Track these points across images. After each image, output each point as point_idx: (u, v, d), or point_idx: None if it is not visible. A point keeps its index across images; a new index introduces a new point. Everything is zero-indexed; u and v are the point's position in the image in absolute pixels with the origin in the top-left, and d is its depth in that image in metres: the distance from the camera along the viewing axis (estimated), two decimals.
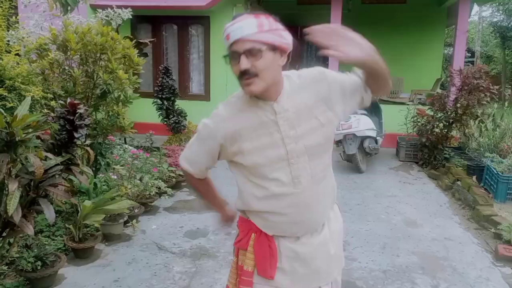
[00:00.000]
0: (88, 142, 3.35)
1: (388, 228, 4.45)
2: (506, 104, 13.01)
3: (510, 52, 17.14)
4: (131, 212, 4.30)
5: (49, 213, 2.49)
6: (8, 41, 4.06)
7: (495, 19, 18.21)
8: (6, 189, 2.38)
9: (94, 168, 4.25)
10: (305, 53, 11.57)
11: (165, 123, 7.16)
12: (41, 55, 4.17)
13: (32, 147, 2.62)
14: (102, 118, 4.47)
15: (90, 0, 3.42)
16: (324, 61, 10.79)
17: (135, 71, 4.49)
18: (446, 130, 6.71)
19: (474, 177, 5.57)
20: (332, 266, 1.75)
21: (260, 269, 1.66)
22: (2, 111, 2.45)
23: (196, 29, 8.88)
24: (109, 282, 3.28)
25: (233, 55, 1.48)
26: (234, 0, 8.14)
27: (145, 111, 7.63)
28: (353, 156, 6.33)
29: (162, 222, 4.51)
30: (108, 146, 4.59)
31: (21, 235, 2.96)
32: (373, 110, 7.16)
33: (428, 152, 6.78)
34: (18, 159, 2.50)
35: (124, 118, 4.48)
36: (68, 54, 4.14)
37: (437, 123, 6.71)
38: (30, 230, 2.47)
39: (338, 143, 6.52)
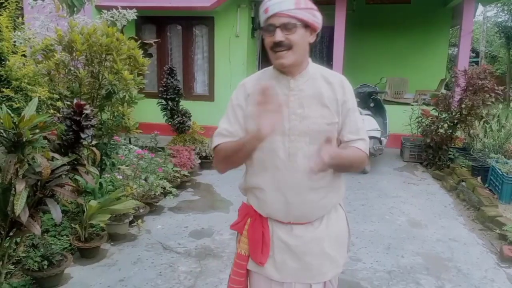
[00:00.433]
0: (93, 142, 3.38)
1: (392, 229, 4.45)
2: (511, 104, 12.96)
3: None
4: (136, 212, 4.32)
5: (56, 213, 2.51)
6: (15, 42, 4.09)
7: (499, 19, 18.13)
8: (14, 189, 2.41)
9: (99, 168, 4.27)
10: (309, 53, 11.57)
11: (170, 123, 7.18)
12: (47, 56, 4.20)
13: (39, 148, 2.65)
14: (108, 119, 4.49)
15: (95, 1, 3.44)
16: (328, 62, 10.80)
17: (140, 72, 4.51)
18: (450, 131, 6.70)
19: (479, 178, 5.56)
20: (325, 265, 1.74)
21: (252, 253, 1.73)
22: (10, 112, 2.47)
23: (200, 30, 8.90)
24: (115, 282, 3.30)
25: (268, 28, 1.60)
26: (238, 1, 8.15)
27: (150, 111, 7.65)
28: None
29: (167, 222, 4.53)
30: (113, 146, 4.61)
31: (27, 234, 2.98)
32: (377, 111, 7.16)
33: (432, 152, 6.76)
34: (25, 160, 2.53)
35: (129, 119, 4.50)
36: (74, 55, 4.16)
37: (442, 123, 6.70)
38: (37, 229, 2.49)
39: None
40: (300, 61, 1.65)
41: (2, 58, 3.88)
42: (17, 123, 2.42)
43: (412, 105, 7.99)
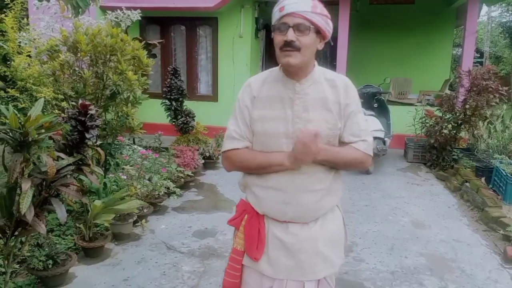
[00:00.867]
0: (98, 142, 3.39)
1: (396, 229, 4.45)
2: None
3: None
4: (140, 212, 4.34)
5: (61, 212, 2.53)
6: (20, 42, 4.12)
7: (504, 20, 18.08)
8: (19, 188, 2.42)
9: (103, 168, 4.29)
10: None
11: (174, 123, 7.20)
12: (52, 57, 4.22)
13: (44, 147, 2.67)
14: (112, 119, 4.51)
15: (100, 2, 3.45)
16: (332, 62, 10.80)
17: (144, 72, 4.52)
18: (454, 131, 6.69)
19: (482, 179, 5.55)
20: (319, 264, 1.76)
21: (248, 249, 1.76)
22: (16, 112, 2.49)
23: (204, 30, 8.92)
24: (119, 281, 3.32)
25: (280, 26, 1.61)
26: (242, 1, 8.17)
27: (154, 111, 7.68)
28: None
29: (170, 222, 4.54)
30: (117, 146, 4.63)
31: (32, 234, 3.00)
32: (381, 111, 7.16)
33: (436, 153, 6.75)
34: (31, 159, 2.55)
35: (133, 119, 4.52)
36: (79, 55, 4.19)
37: (446, 124, 6.69)
38: (42, 229, 2.51)
39: None
40: (306, 64, 1.67)
41: (8, 58, 3.92)
42: (23, 123, 2.44)
43: (416, 105, 7.97)
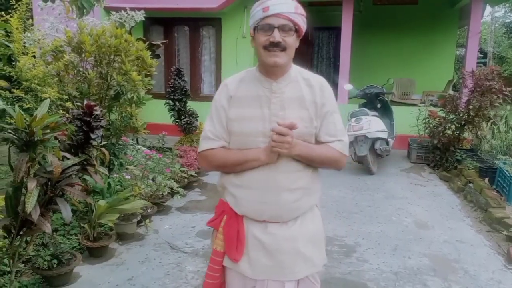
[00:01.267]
0: (102, 143, 3.41)
1: (399, 230, 4.45)
2: None
3: None
4: (144, 212, 4.35)
5: (66, 212, 2.55)
6: (25, 43, 4.14)
7: (508, 20, 18.03)
8: (25, 188, 2.44)
9: (107, 168, 4.31)
10: (316, 54, 11.58)
11: (177, 124, 7.21)
12: (56, 57, 4.25)
13: (50, 147, 2.68)
14: (116, 119, 4.53)
15: (104, 3, 3.47)
16: (335, 62, 10.80)
17: (148, 73, 4.55)
18: (458, 132, 6.68)
19: (486, 180, 5.54)
20: (298, 264, 1.76)
21: (227, 250, 1.77)
22: (21, 112, 2.51)
23: (207, 31, 8.94)
24: (123, 281, 3.33)
25: (264, 27, 1.64)
26: (245, 2, 8.18)
27: (157, 112, 7.70)
28: (364, 157, 6.32)
29: (174, 222, 4.56)
30: (121, 146, 4.65)
31: (37, 233, 3.02)
32: (384, 112, 7.15)
33: (439, 154, 6.74)
34: (37, 159, 2.56)
35: (137, 119, 4.54)
36: (83, 56, 4.21)
37: (449, 124, 6.68)
38: (48, 228, 2.52)
39: (349, 144, 6.50)
40: (288, 63, 1.71)
41: (13, 59, 3.94)
42: (29, 123, 2.45)
43: (419, 106, 7.97)
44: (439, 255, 3.90)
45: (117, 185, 4.40)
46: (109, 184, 4.17)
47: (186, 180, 5.59)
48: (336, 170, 1.86)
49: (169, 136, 6.19)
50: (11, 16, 3.99)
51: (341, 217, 4.78)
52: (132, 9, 5.32)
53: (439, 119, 6.81)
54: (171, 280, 3.36)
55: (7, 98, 3.61)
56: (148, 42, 4.82)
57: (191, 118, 7.15)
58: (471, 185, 5.52)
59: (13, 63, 3.92)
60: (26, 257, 3.08)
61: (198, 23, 8.84)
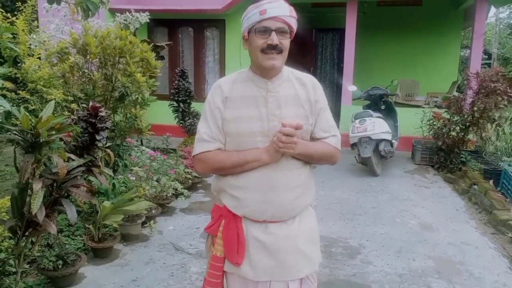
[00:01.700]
0: (107, 144, 3.43)
1: (403, 232, 4.43)
2: None
3: None
4: (148, 213, 4.36)
5: (71, 213, 2.56)
6: (30, 45, 4.17)
7: None
8: (30, 189, 2.46)
9: (112, 169, 4.33)
10: (319, 55, 11.58)
11: (181, 125, 7.24)
12: (61, 59, 4.27)
13: (55, 149, 2.70)
14: (120, 120, 4.55)
15: (109, 5, 3.49)
16: (339, 64, 10.79)
17: (152, 74, 4.57)
18: (462, 134, 6.66)
19: (491, 181, 5.52)
20: (300, 262, 1.77)
21: (228, 255, 1.76)
22: (27, 114, 2.52)
23: (211, 32, 8.96)
24: (128, 282, 3.34)
25: (262, 29, 1.66)
26: (249, 4, 8.17)
27: (162, 113, 7.72)
28: (368, 159, 6.31)
29: (178, 223, 4.57)
30: (126, 148, 4.67)
31: (43, 234, 3.04)
32: (388, 113, 7.14)
33: (444, 155, 6.73)
34: (42, 160, 2.58)
35: (141, 120, 4.56)
36: (88, 57, 4.24)
37: (454, 126, 6.66)
38: (53, 229, 2.54)
39: (353, 146, 6.52)
40: (282, 65, 1.75)
41: (19, 61, 3.96)
42: (34, 124, 2.47)
43: (424, 107, 7.95)
44: (443, 257, 3.89)
45: (121, 186, 4.42)
46: (114, 185, 4.19)
47: (190, 181, 5.60)
48: (330, 164, 1.89)
49: (173, 137, 6.20)
50: (17, 18, 4.02)
51: (345, 218, 4.78)
52: (137, 10, 5.34)
53: (443, 121, 6.79)
54: (175, 281, 3.37)
55: (13, 99, 3.63)
56: (152, 44, 4.84)
57: (195, 119, 7.17)
58: (475, 187, 5.50)
59: (19, 64, 3.95)
60: (32, 257, 3.10)
61: (202, 24, 8.87)
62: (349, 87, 7.70)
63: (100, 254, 3.68)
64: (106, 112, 2.92)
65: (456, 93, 8.42)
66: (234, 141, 1.72)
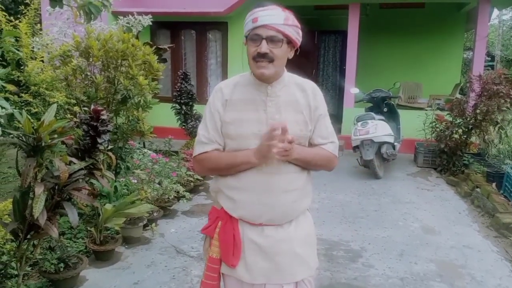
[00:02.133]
0: (109, 147, 3.43)
1: (405, 235, 4.42)
2: None
3: None
4: (150, 216, 4.36)
5: (73, 216, 2.57)
6: (33, 48, 4.18)
7: None
8: (32, 192, 2.46)
9: (114, 172, 4.33)
10: (322, 58, 11.58)
11: (183, 127, 7.24)
12: (64, 62, 4.28)
13: (57, 152, 2.70)
14: (123, 123, 4.56)
15: (111, 8, 3.50)
16: (341, 66, 10.78)
17: (155, 77, 4.57)
18: (465, 136, 6.64)
19: (493, 184, 5.50)
20: (296, 266, 1.78)
21: (223, 256, 1.77)
22: (29, 117, 2.53)
23: (214, 35, 8.97)
24: (129, 285, 3.34)
25: (253, 37, 1.66)
26: (251, 6, 8.18)
27: (164, 115, 7.73)
28: (371, 161, 6.30)
29: (180, 225, 4.57)
30: (128, 150, 4.67)
31: (45, 237, 3.04)
32: (391, 116, 7.13)
33: (446, 158, 6.71)
34: (44, 164, 2.59)
35: (143, 123, 4.56)
36: (91, 60, 4.25)
37: (456, 129, 6.64)
38: (54, 232, 2.54)
39: (355, 148, 6.51)
40: (278, 73, 1.73)
41: (21, 63, 3.98)
42: (36, 128, 2.48)
43: (426, 110, 7.94)
44: (445, 261, 3.88)
45: (123, 189, 4.43)
46: (115, 188, 4.20)
47: (192, 183, 5.60)
48: (327, 170, 1.89)
49: (175, 139, 6.21)
50: (20, 21, 4.04)
51: (347, 221, 4.77)
52: (139, 13, 5.34)
53: (446, 123, 6.78)
54: (176, 285, 3.37)
55: (15, 102, 3.65)
56: (155, 46, 4.84)
57: (197, 121, 7.17)
58: (478, 190, 5.49)
59: (22, 67, 3.96)
60: (33, 260, 3.11)
61: (205, 27, 8.88)
62: (351, 90, 7.70)
63: (101, 257, 3.69)
64: (108, 115, 2.92)
65: (458, 96, 8.40)
66: (234, 143, 1.74)
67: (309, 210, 1.92)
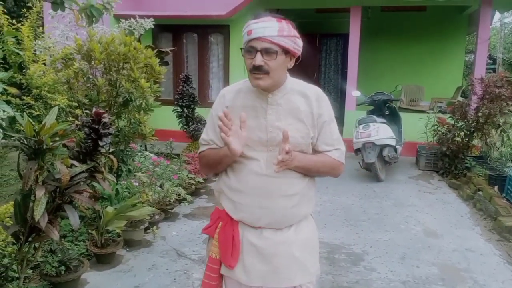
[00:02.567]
0: (111, 149, 3.43)
1: (407, 238, 4.41)
2: None
3: None
4: (151, 219, 4.36)
5: (74, 219, 2.57)
6: (35, 51, 4.19)
7: None
8: (33, 195, 2.47)
9: (115, 175, 4.33)
10: (323, 61, 11.58)
11: (185, 130, 7.25)
12: (66, 65, 4.29)
13: (58, 155, 2.71)
14: (124, 126, 4.56)
15: (113, 11, 3.51)
16: (343, 69, 10.79)
17: (157, 80, 4.57)
18: (467, 139, 6.63)
19: (496, 187, 5.48)
20: (294, 270, 1.77)
21: (222, 257, 1.78)
22: (30, 120, 2.53)
23: (215, 38, 8.99)
24: None
25: (249, 50, 1.66)
26: (253, 9, 8.21)
27: (165, 118, 7.73)
28: (372, 164, 6.29)
29: (181, 228, 4.56)
30: (129, 153, 4.67)
31: (46, 240, 3.04)
32: (393, 119, 7.12)
33: (448, 161, 6.70)
34: (45, 166, 2.59)
35: (145, 126, 4.56)
36: (92, 63, 4.25)
37: (458, 132, 6.63)
38: (55, 235, 2.54)
39: (357, 151, 6.50)
40: (277, 83, 1.72)
41: (23, 66, 3.98)
42: (37, 130, 2.48)
43: (428, 113, 7.91)
44: (448, 264, 3.86)
45: (125, 191, 4.43)
46: (117, 190, 4.20)
47: (193, 186, 5.60)
48: (333, 177, 1.89)
49: (177, 142, 6.21)
50: (22, 24, 4.04)
51: (348, 224, 4.76)
52: (141, 16, 5.36)
53: (448, 126, 6.77)
54: (178, 287, 3.36)
55: (17, 105, 3.65)
56: (156, 50, 4.85)
57: (199, 124, 7.19)
58: (480, 193, 5.47)
59: (24, 70, 3.97)
60: (34, 263, 3.10)
61: (207, 30, 8.89)
62: (353, 92, 7.70)
63: (102, 259, 3.68)
64: (109, 118, 2.92)
65: (460, 99, 8.39)
66: None
67: (312, 215, 1.92)
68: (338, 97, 10.97)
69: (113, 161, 3.10)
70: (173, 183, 5.03)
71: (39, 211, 2.39)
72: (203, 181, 5.85)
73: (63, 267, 3.17)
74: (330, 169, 1.81)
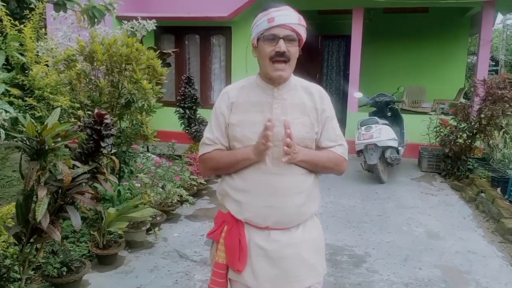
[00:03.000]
0: (113, 151, 3.43)
1: (410, 240, 4.40)
2: None
3: None
4: (153, 220, 4.36)
5: (76, 220, 2.57)
6: (38, 52, 4.20)
7: None
8: (35, 196, 2.47)
9: (117, 176, 4.33)
10: (325, 62, 11.58)
11: (187, 131, 7.25)
12: (68, 66, 4.30)
13: (60, 156, 2.71)
14: (126, 127, 4.56)
15: (115, 12, 3.52)
16: (345, 71, 10.78)
17: (159, 81, 4.58)
18: (469, 141, 6.61)
19: (498, 189, 5.46)
20: (303, 272, 1.76)
21: (229, 261, 1.75)
22: (33, 121, 2.54)
23: (218, 39, 9.00)
24: None
25: (270, 37, 1.67)
26: (255, 11, 8.20)
27: (168, 119, 7.75)
28: (374, 166, 6.28)
29: (183, 230, 4.56)
30: (131, 154, 4.68)
31: (47, 241, 3.04)
32: (395, 120, 7.11)
33: (451, 162, 6.68)
34: (47, 167, 2.59)
35: (147, 127, 4.56)
36: (95, 64, 4.26)
37: (461, 133, 6.62)
38: (57, 236, 2.54)
39: (359, 152, 6.49)
40: (290, 74, 1.76)
41: (26, 68, 3.99)
42: (40, 131, 2.48)
43: (430, 114, 7.91)
44: (450, 266, 3.85)
45: (126, 192, 4.43)
46: (119, 191, 4.20)
47: (195, 188, 5.60)
48: (337, 174, 1.88)
49: (179, 143, 6.21)
50: (25, 26, 4.05)
51: (351, 226, 4.75)
52: (143, 18, 5.36)
53: (450, 128, 6.76)
54: None
55: (19, 106, 3.66)
56: (159, 51, 4.85)
57: (201, 125, 7.18)
58: (483, 194, 5.45)
59: (26, 71, 3.97)
60: (36, 264, 3.10)
61: (209, 31, 8.91)
62: (355, 94, 7.69)
63: (104, 261, 3.68)
64: (111, 119, 2.93)
65: (463, 100, 8.38)
66: (240, 145, 1.74)
67: (317, 215, 1.91)
68: (340, 99, 10.97)
69: (115, 162, 3.10)
70: (175, 185, 5.02)
71: (41, 212, 2.39)
72: (205, 183, 5.84)
73: (64, 268, 3.17)
74: (335, 165, 1.81)
